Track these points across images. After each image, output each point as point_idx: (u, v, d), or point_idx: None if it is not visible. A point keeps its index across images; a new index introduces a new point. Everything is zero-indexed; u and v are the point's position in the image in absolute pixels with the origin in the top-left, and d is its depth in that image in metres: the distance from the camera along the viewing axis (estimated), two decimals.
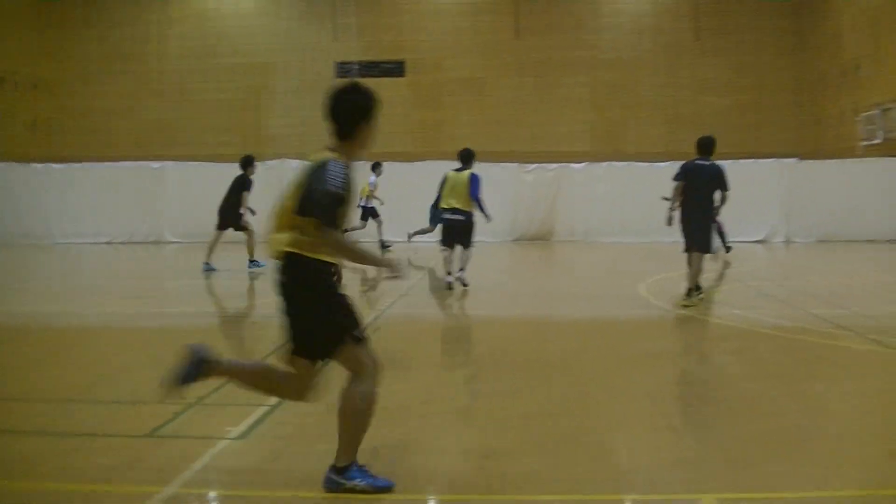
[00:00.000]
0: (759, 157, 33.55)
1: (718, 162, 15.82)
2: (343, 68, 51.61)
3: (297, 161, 31.21)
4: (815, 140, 51.42)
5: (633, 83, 53.47)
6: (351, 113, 6.73)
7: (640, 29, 53.78)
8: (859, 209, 29.69)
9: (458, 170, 17.70)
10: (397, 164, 31.30)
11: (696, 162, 15.77)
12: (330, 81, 51.69)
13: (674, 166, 30.65)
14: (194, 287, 19.05)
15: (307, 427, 7.72)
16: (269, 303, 16.66)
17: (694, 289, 15.40)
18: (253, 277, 20.10)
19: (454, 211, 17.52)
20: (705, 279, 18.51)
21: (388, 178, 29.79)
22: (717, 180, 15.44)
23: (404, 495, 6.22)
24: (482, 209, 17.46)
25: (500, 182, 30.61)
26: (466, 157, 17.85)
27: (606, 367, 10.52)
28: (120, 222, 31.22)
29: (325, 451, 6.46)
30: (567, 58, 53.18)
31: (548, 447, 7.19)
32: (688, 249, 15.53)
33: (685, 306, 15.00)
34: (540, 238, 30.76)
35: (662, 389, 9.19)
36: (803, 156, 35.54)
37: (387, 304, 15.56)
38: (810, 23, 53.41)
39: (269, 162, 30.82)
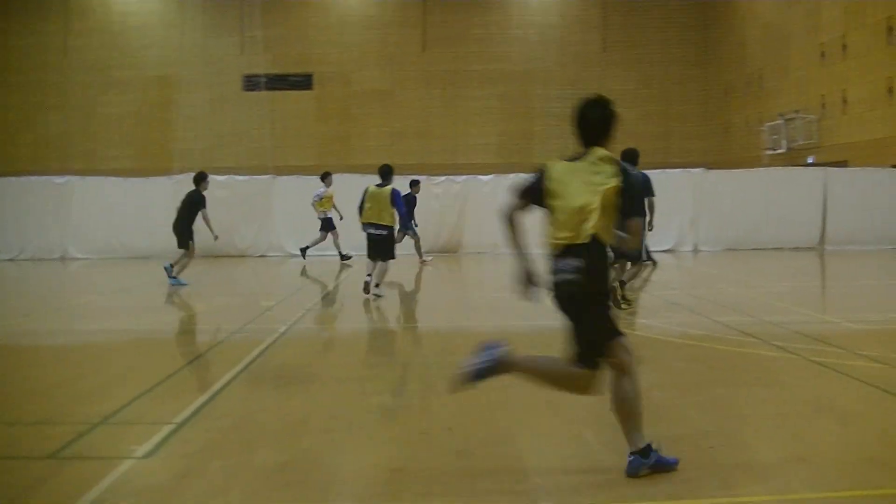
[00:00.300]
0: (667, 168, 33.68)
1: (644, 171, 16.52)
2: (250, 81, 51.22)
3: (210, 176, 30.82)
4: (721, 150, 52.07)
5: (541, 95, 53.75)
6: (602, 123, 7.14)
7: (547, 41, 54.08)
8: (766, 218, 29.93)
9: (379, 185, 17.90)
10: (303, 178, 30.95)
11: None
12: (237, 95, 51.34)
13: None
14: (97, 304, 18.64)
15: (214, 443, 7.55)
16: (170, 320, 16.40)
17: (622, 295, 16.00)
18: (171, 293, 19.85)
19: (376, 226, 17.81)
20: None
21: (293, 191, 29.56)
22: (646, 189, 16.35)
23: None
24: (405, 225, 17.72)
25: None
26: (386, 173, 18.13)
27: (513, 379, 10.35)
28: (24, 238, 30.43)
29: (234, 466, 6.27)
30: (475, 70, 53.31)
31: (455, 459, 7.09)
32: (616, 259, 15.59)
33: (624, 302, 15.92)
34: (448, 251, 30.63)
35: (568, 400, 9.04)
36: (710, 165, 35.79)
37: (295, 317, 15.33)
38: (716, 35, 54.06)
39: (175, 176, 30.37)
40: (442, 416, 8.43)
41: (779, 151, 44.28)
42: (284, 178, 31.13)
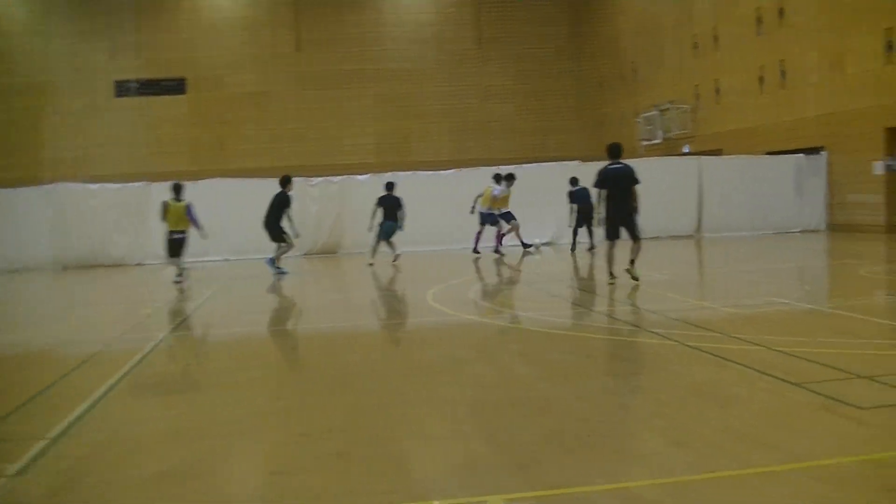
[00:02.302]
0: (543, 161, 33.89)
1: (628, 162, 17.88)
2: (121, 87, 50.48)
3: (79, 184, 30.28)
4: (597, 142, 52.43)
5: (418, 93, 53.82)
6: None
7: (422, 39, 54.16)
8: (643, 207, 30.03)
9: (175, 199, 21.93)
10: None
11: (612, 166, 17.74)
12: (109, 101, 50.54)
13: (460, 174, 31.09)
14: None
15: (90, 457, 7.31)
16: (43, 332, 15.96)
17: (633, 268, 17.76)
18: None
19: (179, 232, 21.99)
20: (500, 282, 18.56)
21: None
22: (633, 178, 17.58)
23: None
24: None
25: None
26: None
27: (395, 377, 10.31)
28: None
29: (110, 479, 6.12)
30: (350, 70, 53.19)
31: (338, 460, 6.97)
32: (610, 237, 17.96)
33: (634, 278, 17.51)
34: (328, 252, 30.45)
35: (451, 395, 8.99)
36: (586, 158, 36.04)
37: (176, 321, 15.05)
38: (589, 29, 54.60)
39: (46, 186, 29.78)
40: (322, 418, 8.28)
41: (655, 142, 44.88)
42: (159, 184, 30.60)
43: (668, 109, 44.27)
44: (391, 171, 32.86)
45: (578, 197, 26.34)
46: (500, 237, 26.79)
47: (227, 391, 9.84)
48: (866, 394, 8.13)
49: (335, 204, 30.70)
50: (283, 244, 23.71)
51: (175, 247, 22.10)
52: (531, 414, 8.10)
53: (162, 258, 28.13)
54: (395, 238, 25.10)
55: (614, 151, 17.94)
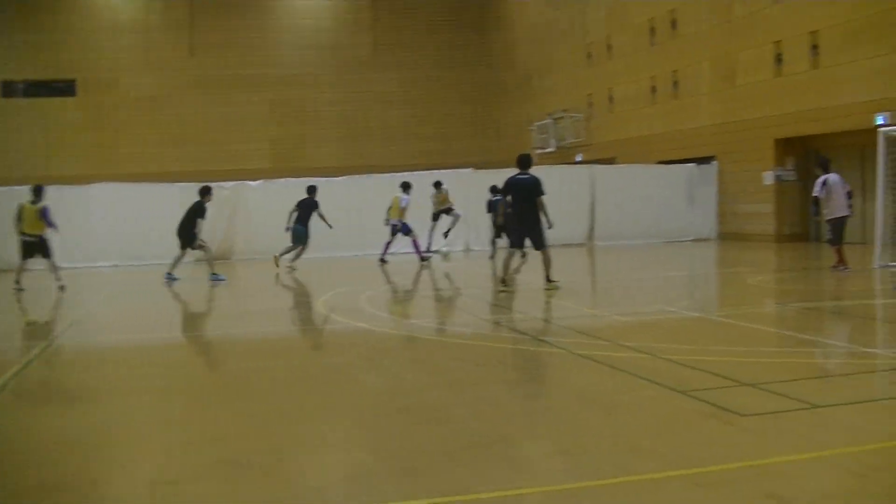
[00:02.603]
0: (441, 168, 33.91)
1: (534, 173, 18.19)
2: (8, 88, 49.54)
3: None
4: (493, 150, 52.80)
5: (314, 99, 53.63)
6: None
7: (318, 45, 53.98)
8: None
9: (32, 202, 21.60)
10: (66, 189, 29.88)
11: (517, 177, 18.06)
12: None
13: (354, 180, 31.00)
14: None
15: None
16: None
17: (550, 279, 18.16)
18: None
19: (32, 235, 21.58)
20: (395, 290, 18.55)
21: (62, 202, 28.59)
22: (537, 189, 17.89)
23: None
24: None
25: (176, 202, 29.78)
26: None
27: (287, 385, 10.23)
28: None
29: None
30: (245, 75, 52.81)
31: (228, 468, 6.86)
32: (513, 246, 18.54)
33: (550, 290, 17.74)
34: (221, 258, 30.04)
35: (342, 403, 8.94)
36: (482, 165, 36.19)
37: (57, 331, 14.76)
38: (487, 37, 54.90)
39: None
40: (212, 427, 8.19)
41: (548, 150, 45.17)
42: (50, 188, 29.96)
43: (561, 118, 44.62)
44: (286, 177, 32.62)
45: (494, 206, 26.36)
46: (417, 244, 26.94)
47: (115, 399, 9.67)
48: (750, 401, 8.23)
49: (228, 210, 30.35)
50: (202, 251, 23.72)
51: (28, 249, 21.69)
52: (421, 422, 8.06)
53: (42, 264, 27.74)
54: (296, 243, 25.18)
55: (522, 162, 18.21)
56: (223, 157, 51.64)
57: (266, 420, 8.42)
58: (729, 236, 32.75)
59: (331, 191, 30.24)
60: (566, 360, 10.76)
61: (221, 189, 30.60)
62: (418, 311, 16.53)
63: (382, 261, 26.56)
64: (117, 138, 51.39)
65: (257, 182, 30.80)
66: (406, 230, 26.33)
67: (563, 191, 31.82)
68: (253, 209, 29.74)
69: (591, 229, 32.43)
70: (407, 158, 51.09)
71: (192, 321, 16.99)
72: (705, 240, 32.71)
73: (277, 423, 8.29)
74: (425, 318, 15.45)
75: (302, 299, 19.03)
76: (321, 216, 25.41)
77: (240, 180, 31.71)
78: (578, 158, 42.13)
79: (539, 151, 45.93)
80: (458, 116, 55.57)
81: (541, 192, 17.97)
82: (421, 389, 9.55)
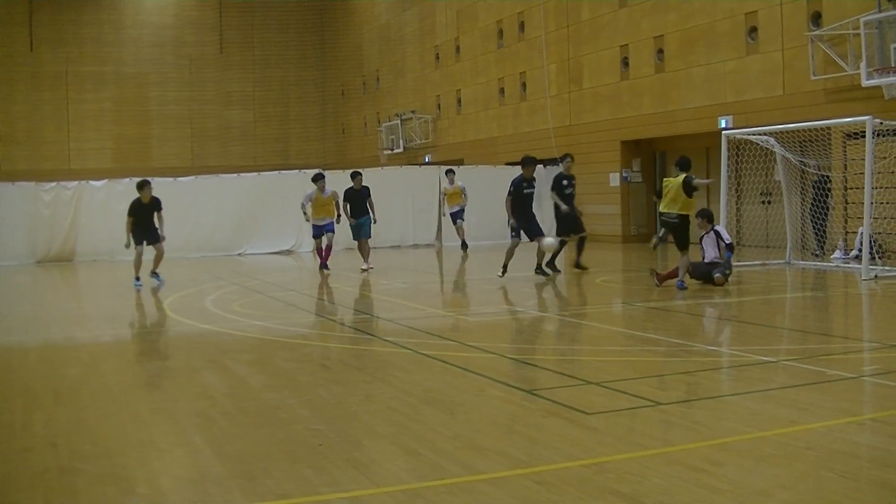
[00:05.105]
0: (287, 169, 33.65)
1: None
2: None
3: None
4: (340, 150, 52.76)
5: (158, 97, 52.95)
6: None
7: (162, 42, 53.30)
8: (388, 216, 29.97)
9: None
10: None
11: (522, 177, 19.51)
12: None
13: (200, 180, 30.59)
14: None
15: None
16: None
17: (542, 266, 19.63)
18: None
19: None
20: (242, 290, 18.38)
21: None
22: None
23: None
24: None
25: (16, 202, 29.10)
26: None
27: (122, 388, 9.98)
28: None
29: None
30: (87, 72, 51.83)
31: (61, 476, 6.64)
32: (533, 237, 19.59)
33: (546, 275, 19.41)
34: (63, 259, 29.37)
35: (179, 406, 8.74)
36: (328, 166, 36.01)
37: None
38: (333, 37, 54.73)
39: None
40: (44, 433, 7.92)
41: (396, 151, 45.19)
42: None
43: (409, 119, 44.68)
44: (130, 176, 31.98)
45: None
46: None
47: None
48: (595, 400, 8.28)
49: (69, 210, 29.63)
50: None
51: None
52: (262, 424, 7.95)
53: None
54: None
55: (527, 164, 19.60)
56: (64, 157, 50.57)
57: (101, 424, 8.20)
58: None
59: (178, 191, 29.79)
60: (411, 360, 10.72)
61: (63, 189, 29.91)
62: (262, 311, 16.28)
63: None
64: None
65: (101, 182, 30.12)
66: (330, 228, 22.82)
67: (411, 192, 31.88)
68: (97, 210, 29.07)
69: (439, 230, 32.44)
70: (249, 159, 50.88)
71: (25, 325, 16.43)
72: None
73: (113, 428, 8.08)
74: (269, 318, 15.25)
75: (145, 302, 18.57)
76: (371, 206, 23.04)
77: (81, 180, 30.94)
78: (427, 160, 42.23)
79: (387, 153, 45.94)
80: (303, 117, 55.37)
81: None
82: (262, 390, 9.44)
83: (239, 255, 28.67)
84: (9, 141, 50.58)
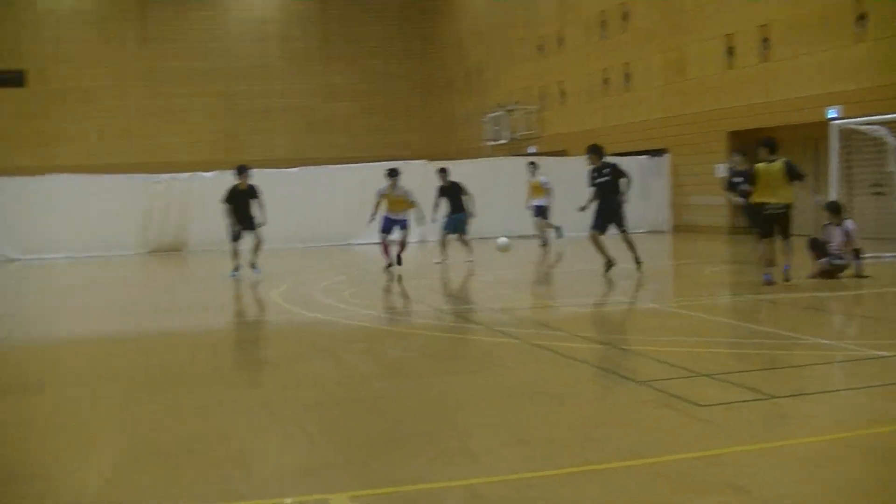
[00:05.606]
0: (389, 160, 33.76)
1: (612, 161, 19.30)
2: None
3: None
4: (444, 142, 52.71)
5: (264, 90, 53.46)
6: None
7: (268, 36, 53.79)
8: (489, 207, 29.95)
9: None
10: (21, 179, 29.75)
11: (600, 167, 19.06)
12: None
13: (306, 171, 30.91)
14: None
15: None
16: None
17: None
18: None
19: None
20: (352, 281, 18.51)
21: (7, 194, 28.52)
22: (620, 174, 18.88)
23: None
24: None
25: (129, 194, 29.70)
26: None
27: (232, 375, 10.17)
28: None
29: None
30: (196, 67, 52.53)
31: (174, 460, 6.76)
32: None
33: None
34: (174, 249, 29.92)
35: (293, 393, 8.84)
36: (433, 157, 36.09)
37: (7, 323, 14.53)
38: (436, 28, 54.81)
39: None
40: (162, 417, 8.08)
41: (501, 142, 45.14)
42: (4, 178, 29.74)
43: (513, 110, 44.61)
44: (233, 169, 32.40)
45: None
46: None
47: (58, 391, 9.52)
48: (706, 391, 8.22)
49: (181, 201, 30.17)
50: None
51: None
52: (373, 412, 8.02)
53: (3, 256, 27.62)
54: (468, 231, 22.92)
55: (594, 151, 19.32)
56: (173, 149, 51.29)
57: (216, 410, 8.32)
58: (682, 228, 32.85)
59: (284, 181, 30.15)
60: (520, 350, 10.72)
61: (175, 181, 30.46)
62: (369, 300, 16.39)
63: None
64: (65, 129, 50.90)
65: (212, 173, 30.54)
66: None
67: (515, 182, 31.81)
68: (208, 200, 29.51)
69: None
70: (353, 151, 50.94)
71: (140, 315, 16.71)
72: (658, 232, 32.76)
73: (228, 413, 8.21)
74: (376, 306, 15.41)
75: (258, 290, 18.74)
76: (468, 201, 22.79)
77: (191, 172, 31.44)
78: (531, 150, 42.11)
79: (491, 143, 45.88)
80: (406, 109, 55.52)
81: (624, 175, 19.42)
82: (373, 379, 9.50)
83: (347, 245, 28.86)
84: (122, 135, 51.45)
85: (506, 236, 22.24)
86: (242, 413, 8.26)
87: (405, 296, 17.13)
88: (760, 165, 15.95)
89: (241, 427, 7.74)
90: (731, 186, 18.78)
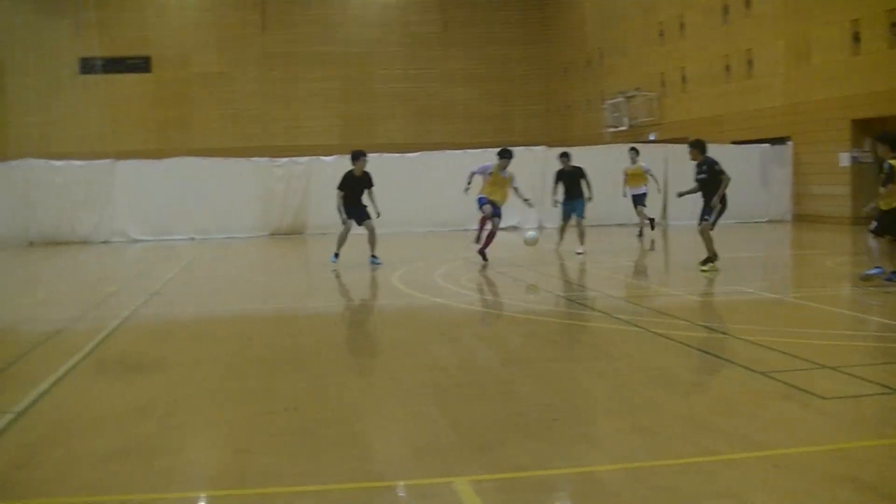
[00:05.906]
0: (508, 146, 33.76)
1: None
2: (87, 64, 49.92)
3: (44, 161, 30.07)
4: (563, 128, 52.56)
5: (383, 76, 53.75)
6: None
7: (387, 22, 54.04)
8: (604, 194, 29.65)
9: None
10: (146, 162, 30.52)
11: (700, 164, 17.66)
12: (73, 78, 50.00)
13: (425, 156, 31.12)
14: None
15: (54, 432, 7.29)
16: (10, 308, 15.79)
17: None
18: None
19: None
20: (468, 266, 18.59)
21: (134, 176, 29.20)
22: (716, 175, 17.27)
23: (160, 494, 5.90)
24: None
25: (250, 177, 30.21)
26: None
27: (357, 358, 10.31)
28: None
29: (74, 454, 6.38)
30: (315, 52, 52.99)
31: (300, 439, 6.93)
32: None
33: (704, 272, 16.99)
34: (294, 232, 30.39)
35: (413, 377, 8.94)
36: (552, 143, 36.02)
37: (138, 302, 14.88)
38: (555, 14, 54.63)
39: (11, 162, 29.63)
40: (286, 397, 8.22)
41: (621, 128, 44.87)
42: (125, 162, 30.44)
43: (634, 96, 44.31)
44: None
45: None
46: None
47: (189, 370, 9.76)
48: (829, 384, 8.14)
49: (301, 185, 30.63)
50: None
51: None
52: (494, 396, 8.08)
53: (125, 236, 28.25)
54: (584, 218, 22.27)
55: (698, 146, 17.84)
56: (292, 133, 51.89)
57: (337, 392, 8.46)
58: (803, 218, 32.35)
59: (403, 167, 30.41)
60: (641, 338, 10.71)
61: (295, 164, 30.90)
62: (492, 288, 16.47)
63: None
64: (189, 114, 51.80)
65: (331, 157, 30.87)
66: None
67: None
68: (327, 184, 29.85)
69: (664, 208, 32.02)
70: (472, 136, 50.90)
71: (263, 294, 16.96)
72: (780, 221, 32.32)
73: (349, 396, 8.34)
74: (498, 293, 15.50)
75: (378, 274, 18.86)
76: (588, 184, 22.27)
77: (310, 156, 31.85)
78: (651, 137, 41.79)
79: (611, 130, 45.63)
80: (526, 94, 55.42)
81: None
82: (493, 364, 9.58)
83: (465, 230, 28.93)
84: (241, 119, 52.17)
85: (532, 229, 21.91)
86: (364, 394, 8.41)
87: (522, 282, 17.15)
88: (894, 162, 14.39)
89: (365, 409, 7.87)
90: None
